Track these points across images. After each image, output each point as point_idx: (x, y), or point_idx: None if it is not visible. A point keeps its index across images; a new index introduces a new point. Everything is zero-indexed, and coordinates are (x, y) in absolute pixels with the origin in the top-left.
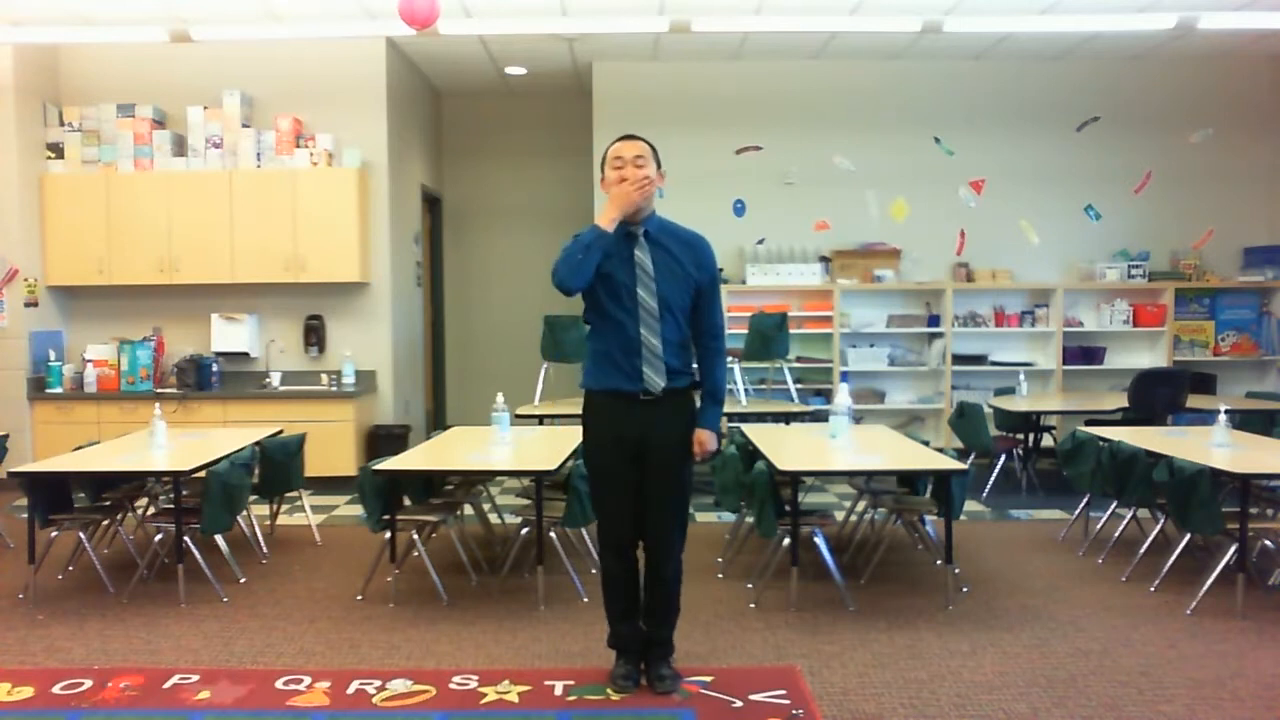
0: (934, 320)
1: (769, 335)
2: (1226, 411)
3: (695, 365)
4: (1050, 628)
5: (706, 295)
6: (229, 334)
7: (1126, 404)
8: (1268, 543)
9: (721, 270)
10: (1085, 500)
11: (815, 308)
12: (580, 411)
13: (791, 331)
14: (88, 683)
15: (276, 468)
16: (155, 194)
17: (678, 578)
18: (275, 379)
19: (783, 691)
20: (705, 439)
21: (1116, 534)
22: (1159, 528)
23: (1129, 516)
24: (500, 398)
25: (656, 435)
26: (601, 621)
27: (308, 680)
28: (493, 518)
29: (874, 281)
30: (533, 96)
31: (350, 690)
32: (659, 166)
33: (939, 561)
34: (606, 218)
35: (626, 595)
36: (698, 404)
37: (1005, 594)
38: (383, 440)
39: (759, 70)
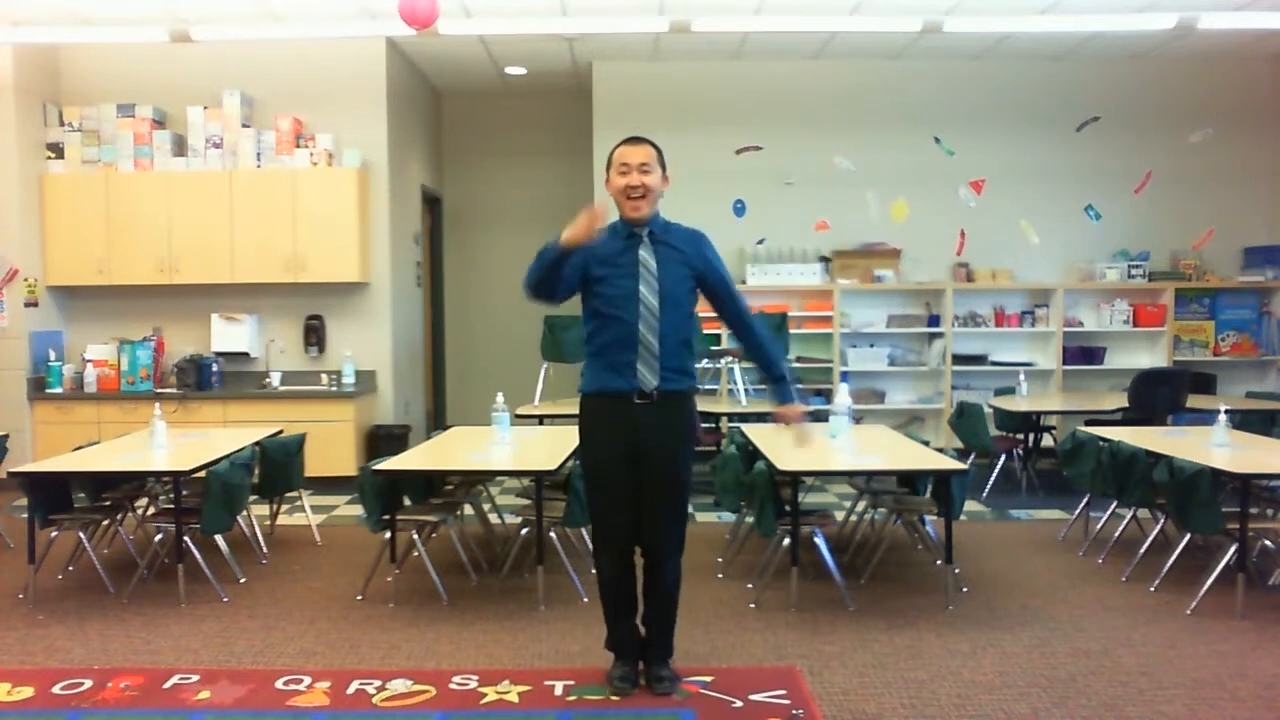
0: (934, 320)
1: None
2: (1226, 411)
3: (694, 368)
4: (1050, 628)
5: (724, 284)
6: (229, 334)
7: (1126, 404)
8: (1268, 543)
9: None
10: (1085, 500)
11: (815, 308)
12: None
13: (791, 331)
14: (88, 683)
15: (276, 468)
16: (155, 194)
17: (676, 583)
18: (275, 379)
19: (783, 691)
20: (790, 411)
21: (1116, 534)
22: (1159, 528)
23: (1129, 516)
24: (500, 398)
25: (654, 440)
26: (602, 621)
27: (308, 680)
28: (493, 518)
29: (874, 281)
30: (533, 96)
31: (350, 690)
32: (664, 170)
33: (939, 561)
34: (565, 237)
35: (623, 598)
36: (697, 406)
37: (1005, 594)
38: (383, 440)
39: (759, 70)
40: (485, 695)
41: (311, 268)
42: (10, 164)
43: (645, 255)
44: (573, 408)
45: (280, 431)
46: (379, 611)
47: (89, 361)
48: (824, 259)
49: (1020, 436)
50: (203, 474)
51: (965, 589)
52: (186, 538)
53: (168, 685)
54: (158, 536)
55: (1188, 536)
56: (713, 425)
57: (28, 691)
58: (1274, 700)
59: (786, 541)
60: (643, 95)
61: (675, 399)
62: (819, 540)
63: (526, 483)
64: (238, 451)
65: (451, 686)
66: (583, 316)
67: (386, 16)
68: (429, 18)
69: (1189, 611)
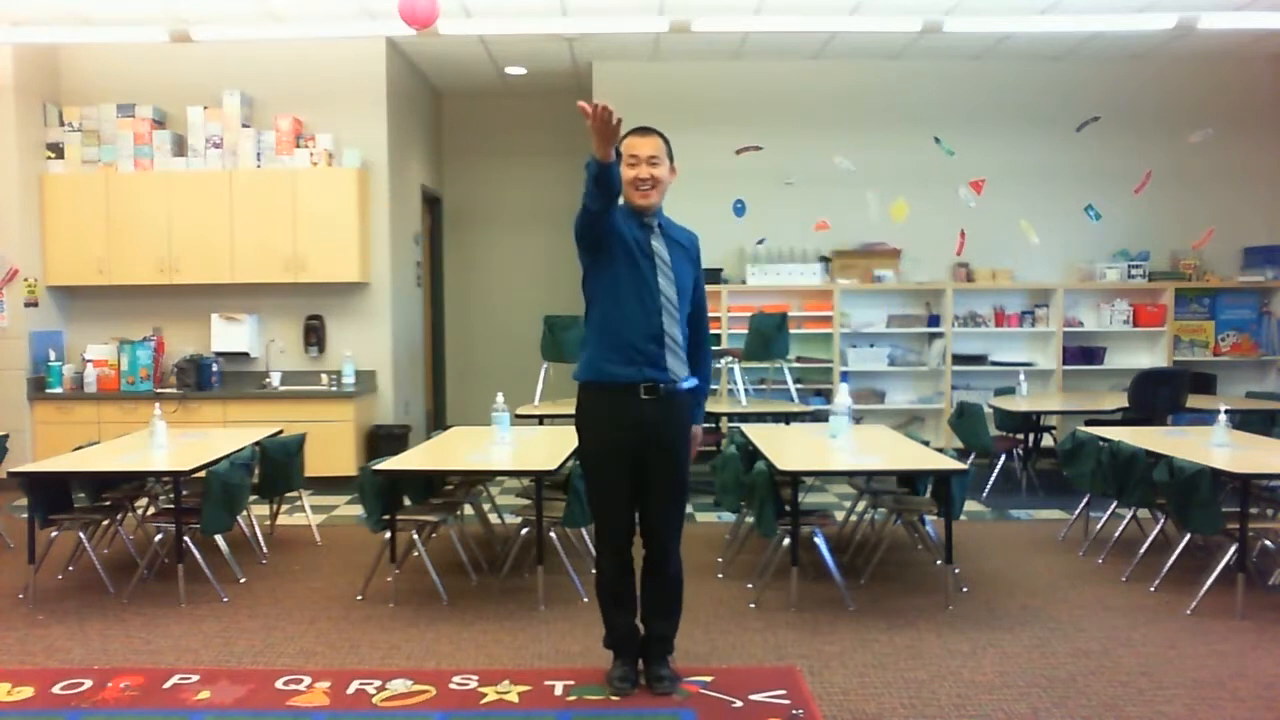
0: (934, 320)
1: (769, 335)
2: (1226, 411)
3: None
4: (1050, 628)
5: (702, 292)
6: (229, 334)
7: (1126, 404)
8: (1268, 543)
9: (721, 270)
10: (1085, 500)
11: (815, 308)
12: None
13: (791, 331)
14: (88, 683)
15: (276, 468)
16: (155, 194)
17: (679, 573)
18: (275, 379)
19: (783, 691)
20: (699, 435)
21: (1116, 534)
22: (1159, 528)
23: (1129, 516)
24: (500, 398)
25: (658, 435)
26: (601, 621)
27: (308, 680)
28: (493, 518)
29: (874, 281)
30: (533, 96)
31: (350, 690)
32: (671, 161)
33: (939, 561)
34: (597, 151)
35: (623, 594)
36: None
37: (1005, 594)
38: (383, 440)
39: (759, 70)
40: (485, 695)
41: (311, 268)
42: (10, 164)
43: (659, 247)
44: (573, 408)
45: (280, 431)
46: (379, 611)
47: (89, 361)
48: (824, 259)
49: (1020, 436)
50: (203, 474)
51: (965, 589)
52: (186, 538)
53: (168, 685)
54: (158, 536)
55: (1188, 536)
56: (713, 425)
57: (28, 691)
58: (1274, 700)
59: (786, 541)
60: (643, 95)
61: (682, 394)
62: (819, 540)
63: (526, 483)
64: (238, 451)
65: (451, 686)
66: (593, 293)
67: (386, 16)
68: (429, 18)
69: (1189, 611)
